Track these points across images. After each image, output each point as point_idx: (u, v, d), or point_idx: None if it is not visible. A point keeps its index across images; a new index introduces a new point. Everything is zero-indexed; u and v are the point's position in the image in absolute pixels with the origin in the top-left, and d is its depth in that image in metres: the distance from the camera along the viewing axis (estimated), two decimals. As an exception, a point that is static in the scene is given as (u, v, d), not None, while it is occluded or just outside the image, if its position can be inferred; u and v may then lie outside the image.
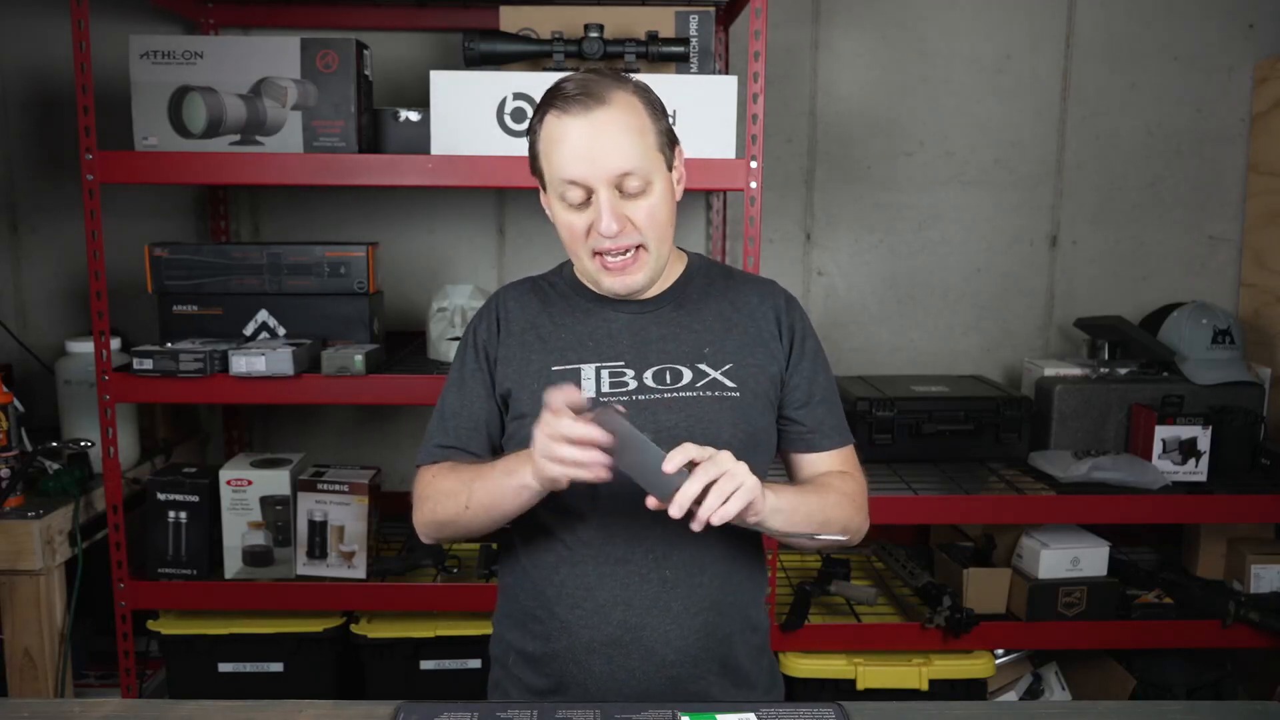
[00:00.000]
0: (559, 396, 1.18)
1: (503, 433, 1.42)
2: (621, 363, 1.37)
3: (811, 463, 1.45)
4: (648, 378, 1.37)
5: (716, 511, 1.14)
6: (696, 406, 1.35)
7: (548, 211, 1.39)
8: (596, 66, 1.38)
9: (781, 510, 1.24)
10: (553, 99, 1.31)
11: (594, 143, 1.28)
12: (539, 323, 1.41)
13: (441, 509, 1.35)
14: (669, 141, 1.35)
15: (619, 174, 1.28)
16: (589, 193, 1.29)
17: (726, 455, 1.17)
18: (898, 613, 2.35)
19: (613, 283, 1.34)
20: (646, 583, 1.33)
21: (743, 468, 1.17)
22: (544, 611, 1.37)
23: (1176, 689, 2.38)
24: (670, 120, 1.37)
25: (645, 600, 1.33)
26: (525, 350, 1.40)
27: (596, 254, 1.33)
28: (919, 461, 2.44)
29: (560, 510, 1.35)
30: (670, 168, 1.36)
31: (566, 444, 1.15)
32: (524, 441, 1.35)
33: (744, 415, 1.36)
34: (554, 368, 1.37)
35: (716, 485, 1.15)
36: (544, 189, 1.37)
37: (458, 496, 1.33)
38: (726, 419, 1.34)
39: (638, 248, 1.32)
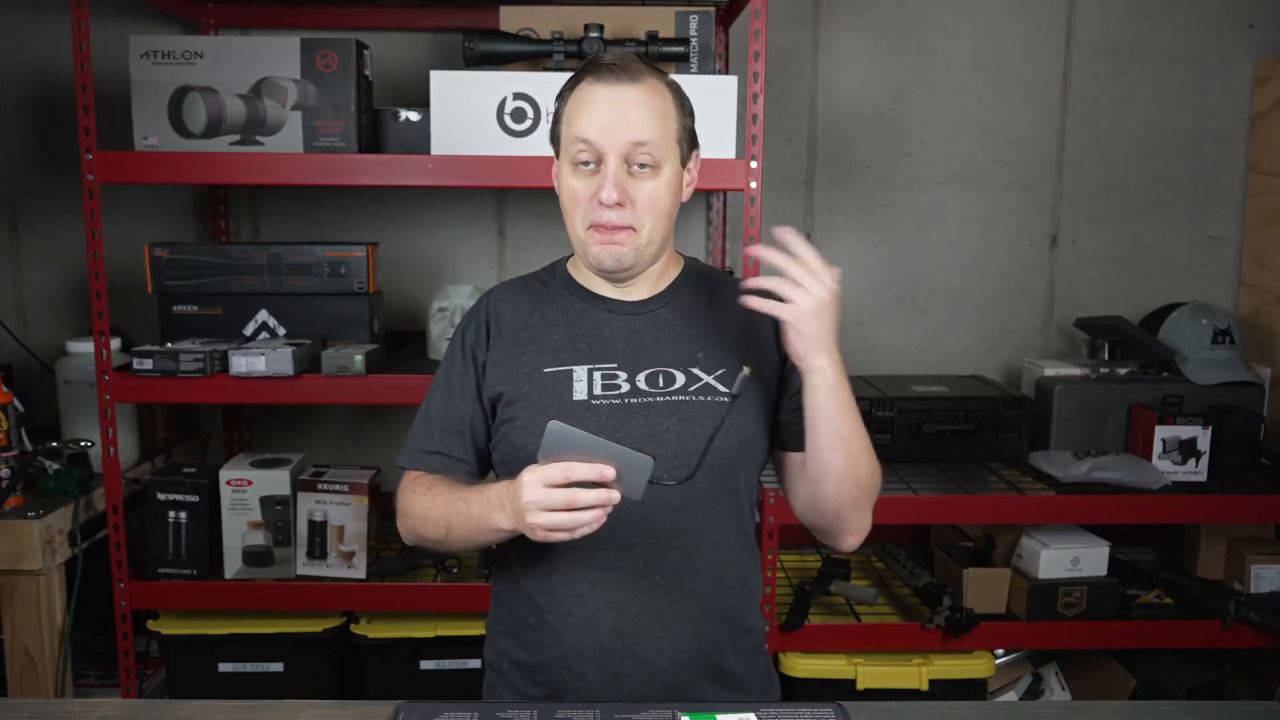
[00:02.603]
0: (558, 472, 1.16)
1: (489, 436, 1.42)
2: (614, 365, 1.36)
3: (804, 462, 1.43)
4: (640, 380, 1.35)
5: (778, 304, 1.22)
6: (689, 410, 1.34)
7: (555, 183, 1.38)
8: (637, 54, 1.39)
9: (839, 385, 1.27)
10: (590, 68, 1.33)
11: (615, 109, 1.29)
12: (531, 323, 1.41)
13: (424, 530, 1.37)
14: (689, 139, 1.36)
15: (632, 143, 1.29)
16: (599, 159, 1.30)
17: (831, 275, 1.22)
18: (898, 613, 2.35)
19: (600, 252, 1.33)
20: (638, 589, 1.33)
21: (831, 290, 1.22)
22: (536, 619, 1.37)
23: (1176, 689, 2.38)
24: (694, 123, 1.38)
25: (637, 607, 1.33)
26: (516, 351, 1.39)
27: (591, 225, 1.32)
28: (919, 461, 2.44)
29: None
30: (684, 164, 1.36)
31: (554, 514, 1.16)
32: (512, 446, 1.35)
33: (736, 421, 1.34)
34: (545, 369, 1.36)
35: (804, 285, 1.21)
36: (558, 155, 1.37)
37: (438, 525, 1.34)
38: (720, 424, 1.33)
39: (628, 228, 1.32)
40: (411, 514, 1.38)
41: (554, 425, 1.15)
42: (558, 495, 1.15)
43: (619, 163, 1.29)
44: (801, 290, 1.22)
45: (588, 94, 1.31)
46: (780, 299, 1.23)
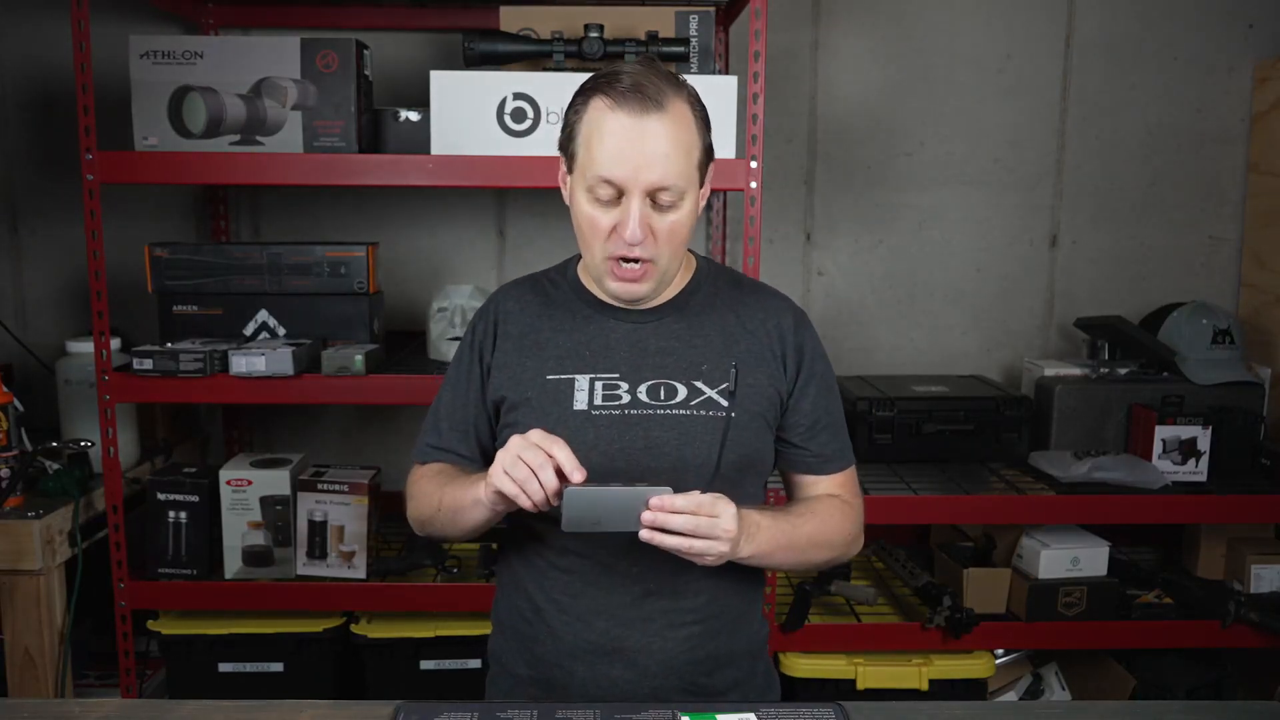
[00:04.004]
0: (551, 442, 1.18)
1: (493, 437, 1.42)
2: (616, 375, 1.36)
3: (811, 484, 1.45)
4: (641, 392, 1.35)
5: (674, 548, 1.19)
6: (689, 425, 1.33)
7: (564, 192, 1.36)
8: (651, 61, 1.31)
9: (753, 559, 1.28)
10: (606, 86, 1.26)
11: (641, 149, 1.24)
12: (538, 326, 1.40)
13: (420, 507, 1.39)
14: (707, 158, 1.33)
15: (657, 187, 1.25)
16: (621, 194, 1.26)
17: (727, 519, 1.19)
18: (898, 613, 2.35)
19: (618, 287, 1.32)
20: (630, 594, 1.34)
21: (730, 532, 1.20)
22: (533, 615, 1.38)
23: (1176, 689, 2.38)
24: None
25: (628, 611, 1.33)
26: (521, 356, 1.38)
27: (609, 257, 1.30)
28: (919, 461, 2.44)
29: (551, 517, 1.35)
30: (702, 183, 1.33)
31: (522, 463, 1.17)
32: None
33: (738, 436, 1.34)
34: (548, 376, 1.36)
35: (693, 536, 1.18)
36: (569, 170, 1.33)
37: (431, 498, 1.36)
38: (719, 439, 1.33)
39: (648, 262, 1.30)
40: (413, 495, 1.41)
41: (570, 493, 1.17)
42: (523, 468, 1.18)
43: (642, 201, 1.26)
44: (704, 551, 1.20)
45: (609, 121, 1.25)
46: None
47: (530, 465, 1.17)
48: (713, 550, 1.20)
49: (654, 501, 1.17)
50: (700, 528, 1.18)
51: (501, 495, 1.20)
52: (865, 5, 2.69)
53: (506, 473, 1.18)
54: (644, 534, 1.17)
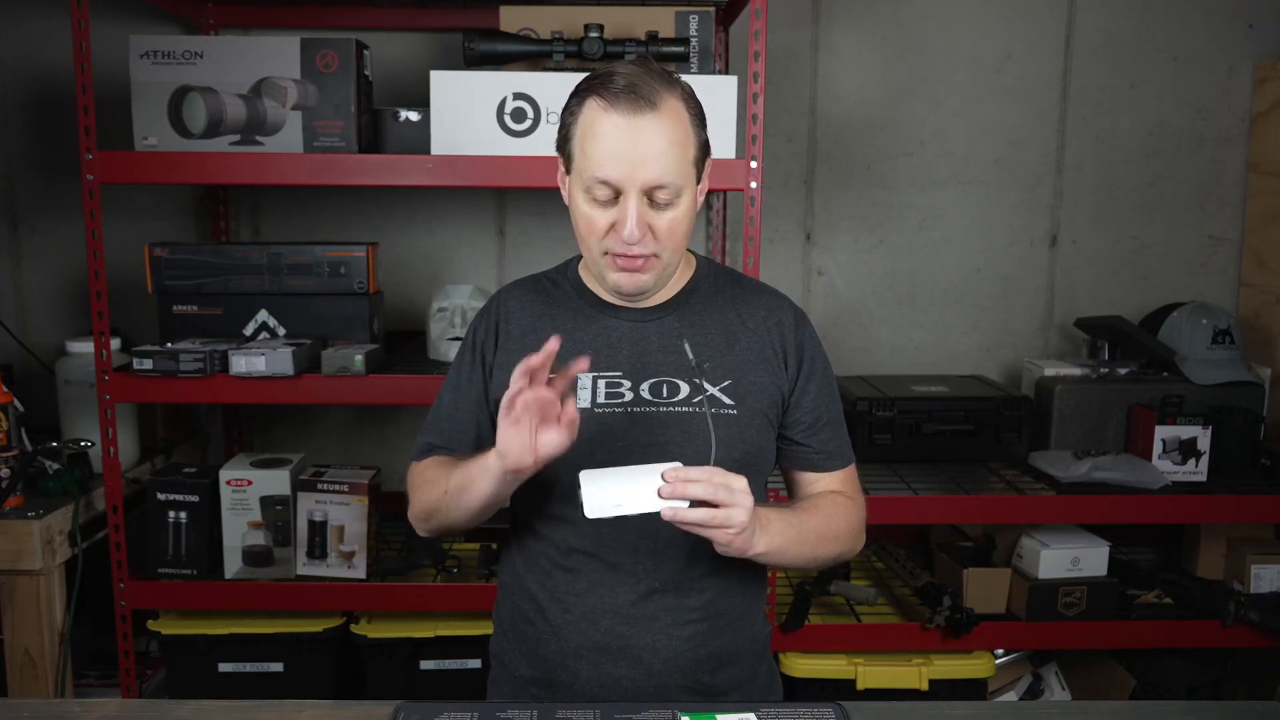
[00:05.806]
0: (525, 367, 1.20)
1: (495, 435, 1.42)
2: (619, 373, 1.36)
3: (813, 481, 1.45)
4: (644, 390, 1.35)
5: (698, 520, 1.17)
6: (691, 422, 1.33)
7: (563, 192, 1.36)
8: (646, 60, 1.31)
9: (769, 554, 1.27)
10: (600, 87, 1.27)
11: (635, 148, 1.24)
12: (540, 326, 1.40)
13: (425, 497, 1.38)
14: (704, 155, 1.33)
15: (653, 185, 1.26)
16: (617, 194, 1.27)
17: (740, 482, 1.18)
18: (898, 613, 2.35)
19: (621, 279, 1.32)
20: (635, 592, 1.33)
21: (747, 495, 1.18)
22: (536, 614, 1.38)
23: (1176, 689, 2.38)
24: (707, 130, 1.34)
25: (633, 609, 1.33)
26: (523, 355, 1.38)
27: (608, 252, 1.31)
28: (919, 461, 2.44)
29: (554, 516, 1.35)
30: (699, 180, 1.33)
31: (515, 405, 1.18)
32: None
33: (740, 434, 1.34)
34: (550, 375, 1.36)
35: (716, 512, 1.17)
36: (567, 171, 1.34)
37: (438, 483, 1.35)
38: (721, 437, 1.32)
39: (651, 256, 1.30)
40: (417, 488, 1.40)
41: (585, 475, 1.17)
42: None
43: (639, 199, 1.26)
44: (726, 521, 1.18)
45: (603, 122, 1.25)
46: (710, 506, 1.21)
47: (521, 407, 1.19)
48: (734, 519, 1.17)
49: (669, 474, 1.16)
50: (719, 494, 1.16)
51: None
52: (865, 5, 2.69)
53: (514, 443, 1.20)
54: (666, 512, 1.16)
